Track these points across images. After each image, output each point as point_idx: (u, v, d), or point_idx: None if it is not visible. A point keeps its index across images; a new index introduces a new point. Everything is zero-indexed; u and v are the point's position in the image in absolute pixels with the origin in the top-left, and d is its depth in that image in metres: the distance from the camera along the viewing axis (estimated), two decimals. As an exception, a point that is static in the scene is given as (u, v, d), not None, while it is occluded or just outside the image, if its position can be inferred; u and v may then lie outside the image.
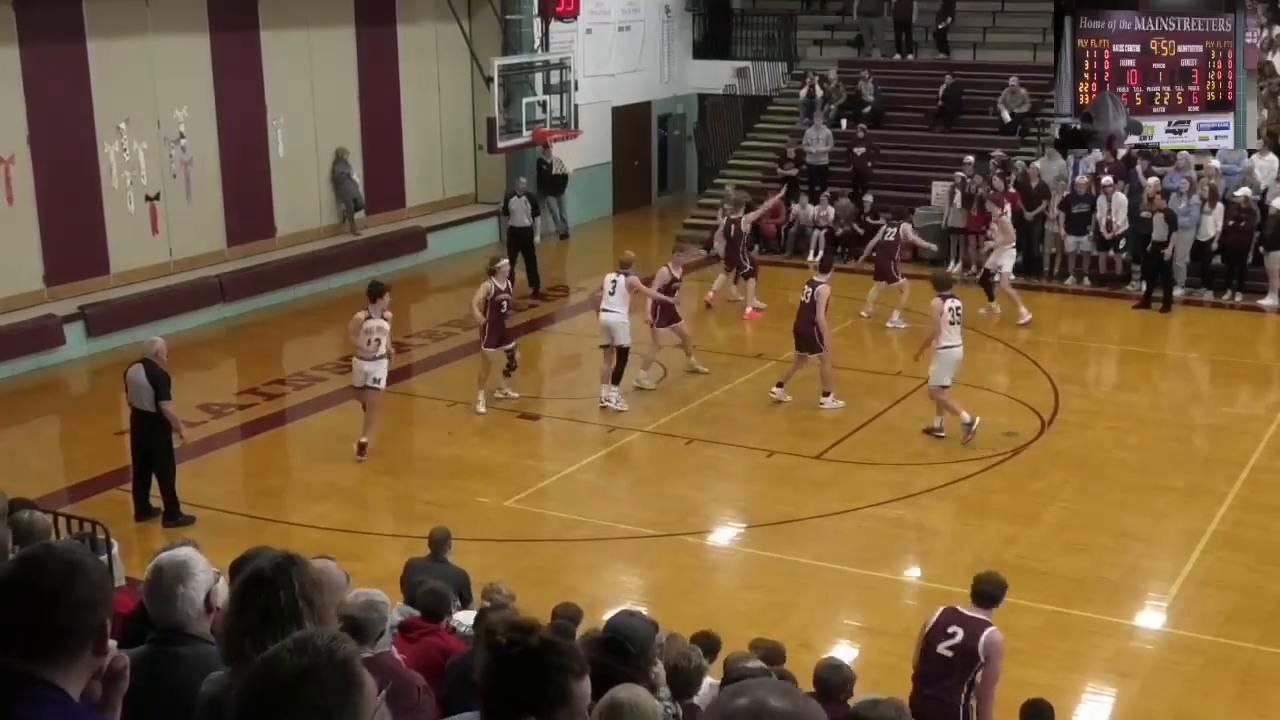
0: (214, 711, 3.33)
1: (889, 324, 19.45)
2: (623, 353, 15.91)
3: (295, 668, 2.43)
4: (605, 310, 15.85)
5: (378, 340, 14.14)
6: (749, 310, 20.10)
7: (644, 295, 16.15)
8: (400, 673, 5.94)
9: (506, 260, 16.68)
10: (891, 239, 19.75)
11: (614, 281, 15.87)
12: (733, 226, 20.03)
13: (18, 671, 2.79)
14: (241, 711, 2.45)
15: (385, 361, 14.50)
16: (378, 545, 12.06)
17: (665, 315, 16.53)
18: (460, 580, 9.54)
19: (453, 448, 15.09)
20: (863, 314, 19.67)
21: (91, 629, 2.88)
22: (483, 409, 15.76)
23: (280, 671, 2.43)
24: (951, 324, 14.69)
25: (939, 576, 12.13)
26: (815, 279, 16.30)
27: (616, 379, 15.89)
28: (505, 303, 15.78)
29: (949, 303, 14.78)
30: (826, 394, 16.12)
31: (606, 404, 15.81)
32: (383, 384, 14.55)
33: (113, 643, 2.99)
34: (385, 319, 14.34)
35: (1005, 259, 19.80)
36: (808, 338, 15.94)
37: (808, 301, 15.95)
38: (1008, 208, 20.82)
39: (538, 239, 22.77)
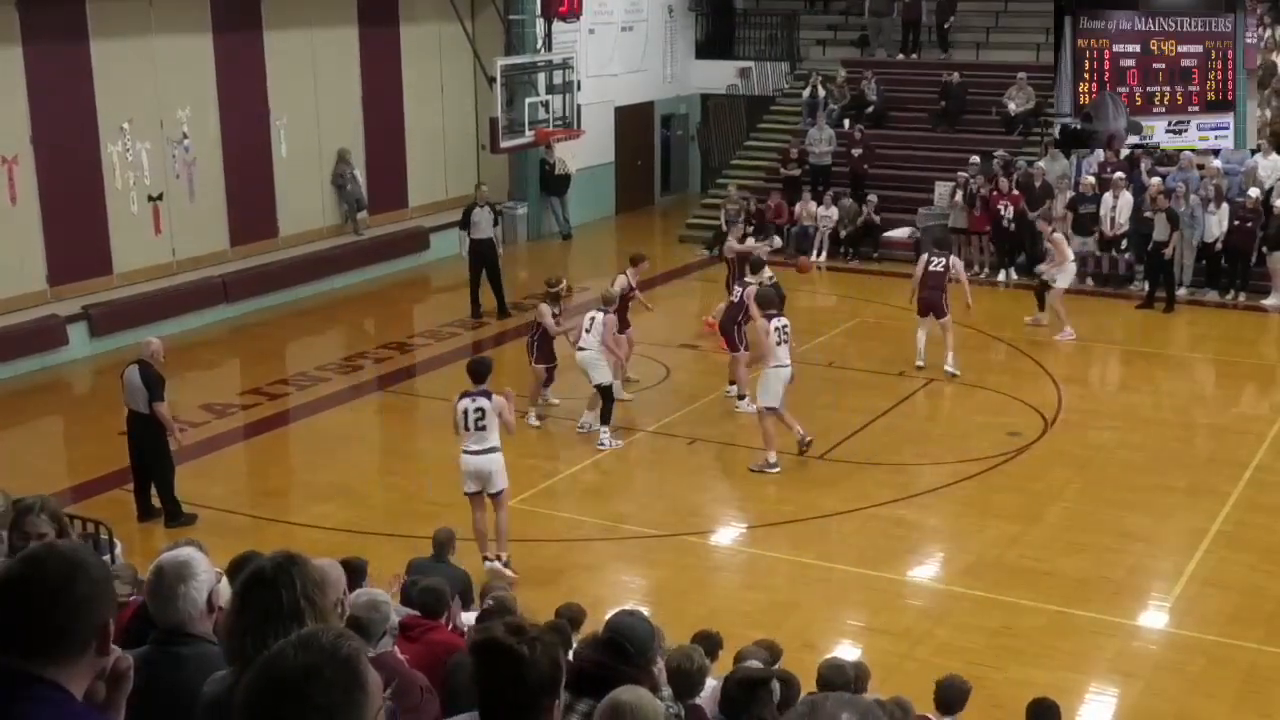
0: (216, 711, 3.33)
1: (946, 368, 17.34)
2: (604, 391, 15.04)
3: (299, 664, 2.42)
4: (580, 348, 14.98)
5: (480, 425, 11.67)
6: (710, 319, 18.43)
7: (608, 337, 14.98)
8: (403, 672, 5.94)
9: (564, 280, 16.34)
10: (940, 269, 17.07)
11: (592, 319, 15.02)
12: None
13: (20, 671, 2.78)
14: (246, 707, 2.45)
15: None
16: (380, 546, 12.05)
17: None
18: (462, 581, 9.56)
19: (455, 448, 15.06)
20: (918, 364, 17.31)
21: (94, 628, 2.87)
22: (535, 421, 15.58)
23: (284, 668, 2.43)
24: (779, 344, 14.20)
25: (941, 577, 12.15)
26: (747, 279, 16.03)
27: (605, 419, 15.01)
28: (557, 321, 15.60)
29: (775, 321, 14.28)
30: (742, 396, 15.89)
31: (601, 446, 14.93)
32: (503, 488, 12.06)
33: (116, 649, 2.99)
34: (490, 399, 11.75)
35: (1062, 277, 18.84)
36: (729, 336, 15.83)
37: (736, 301, 15.71)
38: (1058, 228, 19.95)
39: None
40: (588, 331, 14.99)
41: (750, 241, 19.90)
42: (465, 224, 20.03)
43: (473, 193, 21.02)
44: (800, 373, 16.13)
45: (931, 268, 17.02)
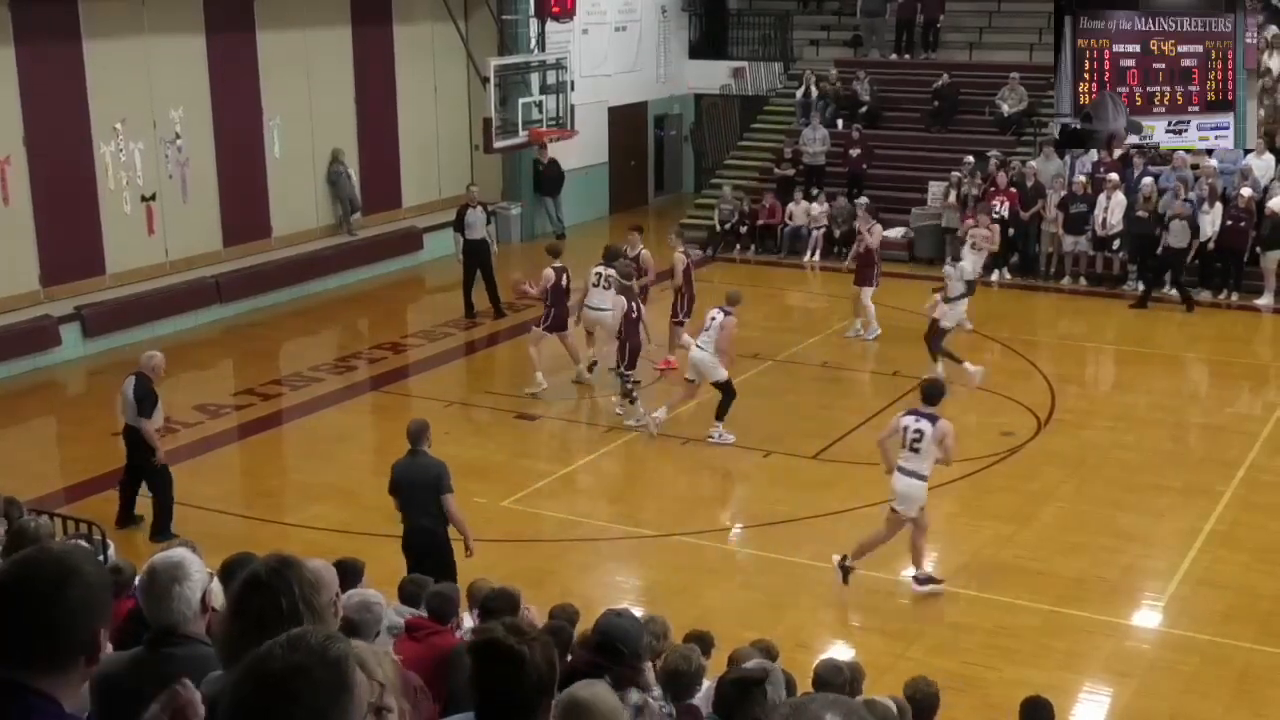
0: (213, 712, 3.32)
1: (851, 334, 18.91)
2: (722, 387, 14.89)
3: (287, 664, 2.42)
4: (696, 346, 14.88)
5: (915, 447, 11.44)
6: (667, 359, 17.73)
7: (731, 344, 14.83)
8: (399, 673, 5.93)
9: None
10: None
11: (713, 318, 14.82)
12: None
13: (11, 682, 2.74)
14: (233, 705, 2.44)
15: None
16: (375, 546, 12.01)
17: (556, 321, 16.54)
18: (438, 472, 10.20)
19: (450, 447, 15.04)
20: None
21: (88, 639, 2.83)
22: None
23: (272, 667, 2.42)
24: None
25: (936, 576, 12.13)
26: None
27: (720, 414, 14.90)
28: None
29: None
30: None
31: (710, 438, 14.94)
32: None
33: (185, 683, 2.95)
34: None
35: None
36: (621, 342, 15.70)
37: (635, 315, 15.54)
38: (982, 223, 19.27)
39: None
40: (705, 330, 14.80)
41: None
42: (459, 225, 20.02)
43: (464, 193, 21.01)
44: (795, 372, 16.17)
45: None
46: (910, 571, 11.59)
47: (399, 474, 10.48)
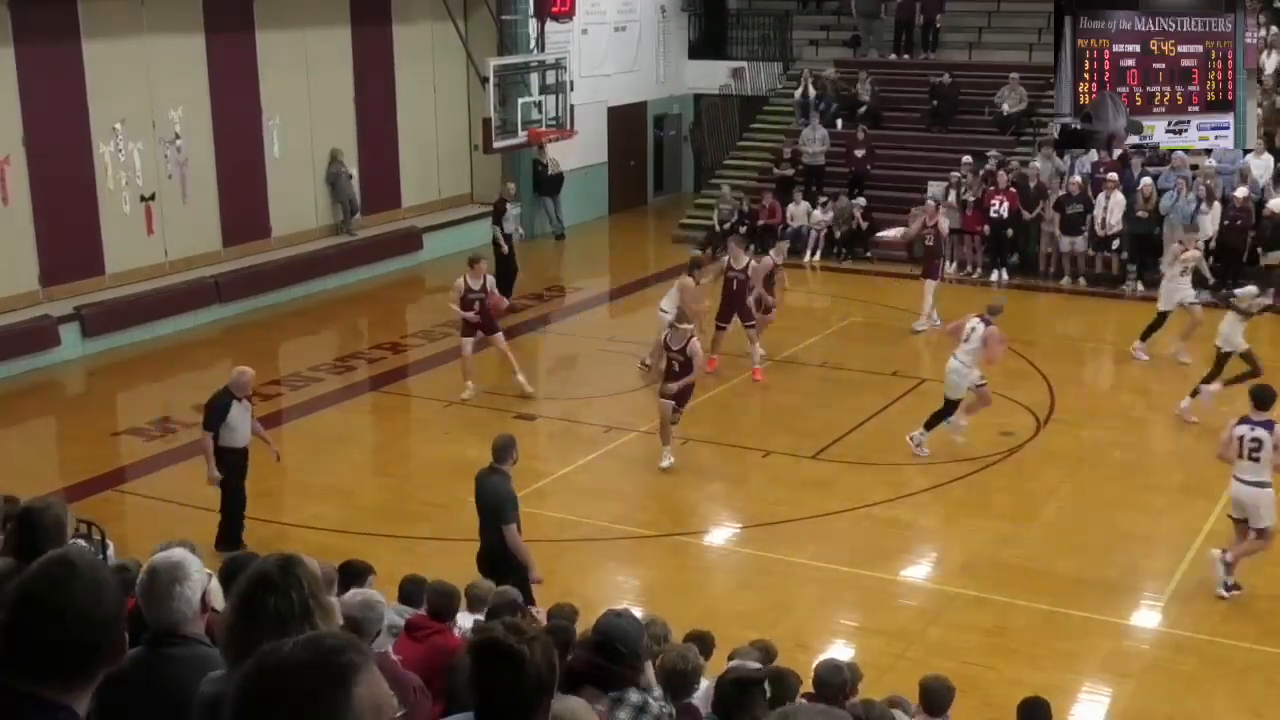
0: (213, 711, 3.31)
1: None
2: (951, 405, 14.49)
3: (295, 661, 2.41)
4: (952, 356, 14.35)
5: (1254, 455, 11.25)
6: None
7: (996, 350, 14.39)
8: (396, 673, 5.94)
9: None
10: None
11: (972, 328, 14.27)
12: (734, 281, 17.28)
13: (41, 698, 2.74)
14: (239, 698, 2.43)
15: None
16: (374, 546, 12.03)
17: (465, 327, 16.29)
18: (499, 502, 10.08)
19: (449, 447, 15.09)
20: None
21: (114, 651, 2.85)
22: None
23: (280, 666, 2.41)
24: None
25: (935, 576, 12.15)
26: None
27: (931, 425, 14.53)
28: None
29: None
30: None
31: (910, 438, 14.55)
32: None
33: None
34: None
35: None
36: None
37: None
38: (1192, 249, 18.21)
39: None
40: (965, 341, 14.32)
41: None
42: (498, 219, 20.69)
43: (502, 189, 21.61)
44: (795, 372, 16.18)
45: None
46: (1225, 576, 11.35)
47: (476, 487, 10.38)
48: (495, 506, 10.20)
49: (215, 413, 11.94)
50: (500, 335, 16.57)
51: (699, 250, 20.72)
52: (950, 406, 14.54)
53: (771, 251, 17.85)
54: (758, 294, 17.13)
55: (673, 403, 14.11)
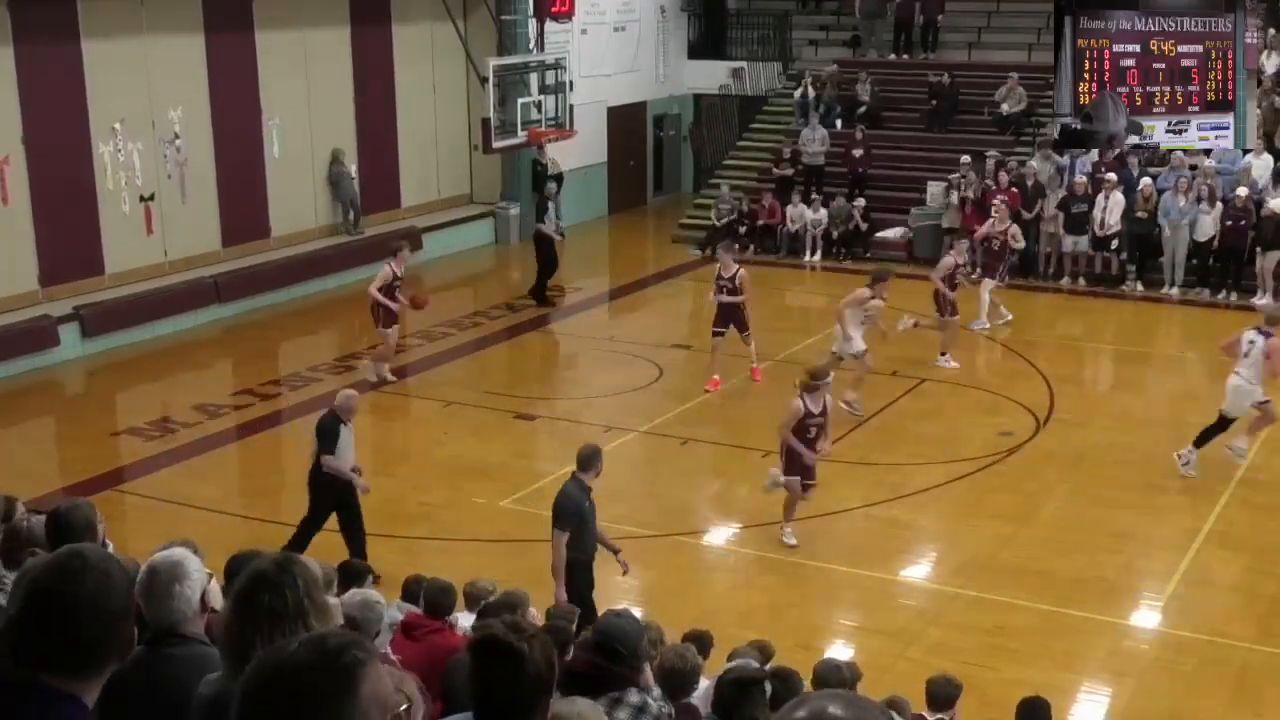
0: (213, 711, 3.31)
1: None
2: (1226, 421, 13.83)
3: (299, 662, 2.41)
4: (1233, 373, 13.69)
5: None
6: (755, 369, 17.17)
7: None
8: (393, 673, 5.94)
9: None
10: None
11: (1251, 342, 13.55)
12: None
13: (52, 688, 2.76)
14: (245, 699, 2.43)
15: None
16: (373, 546, 12.02)
17: (387, 317, 16.63)
18: (557, 508, 10.23)
19: (449, 447, 15.09)
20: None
21: (126, 643, 2.87)
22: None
23: (283, 667, 2.42)
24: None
25: (935, 576, 12.15)
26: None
27: (1201, 442, 13.88)
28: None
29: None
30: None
31: (1179, 455, 13.96)
32: None
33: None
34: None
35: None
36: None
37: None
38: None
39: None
40: (1245, 356, 13.59)
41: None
42: (540, 217, 21.54)
43: (546, 188, 22.23)
44: (795, 372, 16.11)
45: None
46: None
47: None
48: (554, 511, 10.30)
49: (328, 436, 11.57)
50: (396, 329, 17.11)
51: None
52: (1224, 424, 13.80)
53: (951, 251, 17.78)
54: (940, 293, 17.21)
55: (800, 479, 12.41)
